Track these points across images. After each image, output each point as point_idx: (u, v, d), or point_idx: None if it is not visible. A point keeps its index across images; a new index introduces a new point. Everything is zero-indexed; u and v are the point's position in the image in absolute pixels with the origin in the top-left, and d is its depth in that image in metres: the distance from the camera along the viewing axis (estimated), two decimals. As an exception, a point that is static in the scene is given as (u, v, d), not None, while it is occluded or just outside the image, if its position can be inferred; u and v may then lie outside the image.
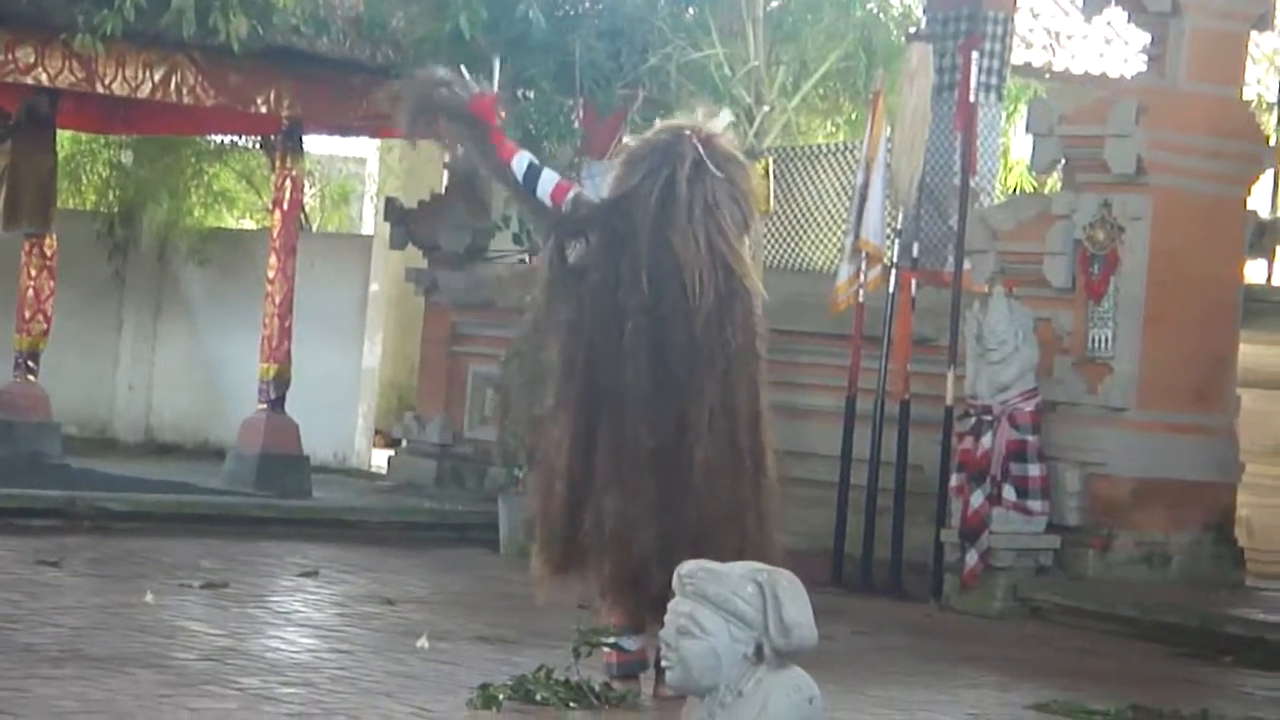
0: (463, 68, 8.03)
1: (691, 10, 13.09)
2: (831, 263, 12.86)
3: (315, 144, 16.96)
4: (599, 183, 12.49)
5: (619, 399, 7.28)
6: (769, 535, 7.29)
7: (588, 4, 13.14)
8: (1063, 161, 11.85)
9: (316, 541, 11.94)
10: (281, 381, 13.75)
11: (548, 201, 7.58)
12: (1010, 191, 16.10)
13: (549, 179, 7.65)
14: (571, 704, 7.14)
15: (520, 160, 7.66)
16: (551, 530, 7.45)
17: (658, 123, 7.95)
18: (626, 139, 8.30)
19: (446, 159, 15.26)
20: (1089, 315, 11.48)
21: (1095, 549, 11.38)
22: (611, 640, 7.38)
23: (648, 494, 7.23)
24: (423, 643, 8.31)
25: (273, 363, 13.74)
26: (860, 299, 11.82)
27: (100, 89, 12.96)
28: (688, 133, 7.38)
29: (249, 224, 18.50)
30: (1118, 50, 16.02)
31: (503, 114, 8.16)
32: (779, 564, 7.07)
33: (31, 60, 12.66)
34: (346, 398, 16.10)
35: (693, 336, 7.25)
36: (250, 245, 16.35)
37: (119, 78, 12.87)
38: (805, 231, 13.57)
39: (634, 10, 12.76)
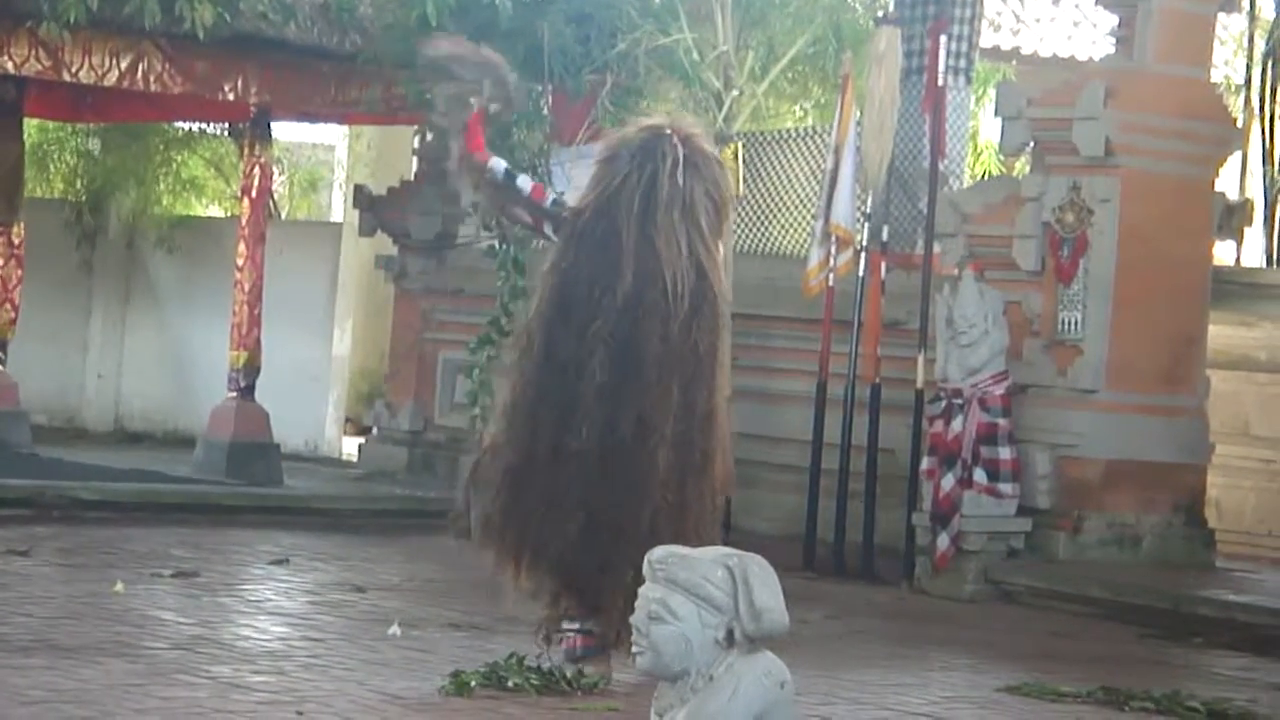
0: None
1: (659, -5, 13.07)
2: (801, 247, 12.87)
3: (283, 131, 16.92)
4: (567, 169, 12.51)
5: (580, 396, 7.30)
6: (706, 537, 7.18)
7: (555, -11, 13.11)
8: (1031, 144, 11.85)
9: (287, 529, 11.92)
10: (251, 369, 13.72)
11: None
12: (979, 175, 16.12)
13: (525, 182, 7.76)
14: (544, 690, 7.14)
15: (497, 163, 7.78)
16: (507, 525, 7.44)
17: (638, 120, 8.00)
18: (605, 135, 8.34)
19: (417, 144, 15.24)
20: (1059, 298, 11.50)
21: (1066, 531, 11.40)
22: (576, 627, 7.41)
23: (602, 492, 7.25)
24: (394, 630, 8.31)
25: (242, 350, 13.71)
26: (830, 283, 11.82)
27: (67, 77, 12.90)
28: (669, 131, 7.45)
29: (218, 211, 18.46)
30: (1086, 32, 16.05)
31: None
32: None
33: (-3, 48, 12.61)
34: (317, 385, 16.07)
35: (667, 338, 7.33)
36: (219, 233, 16.31)
37: (86, 65, 12.81)
38: (775, 216, 13.57)
39: (601, -5, 12.75)
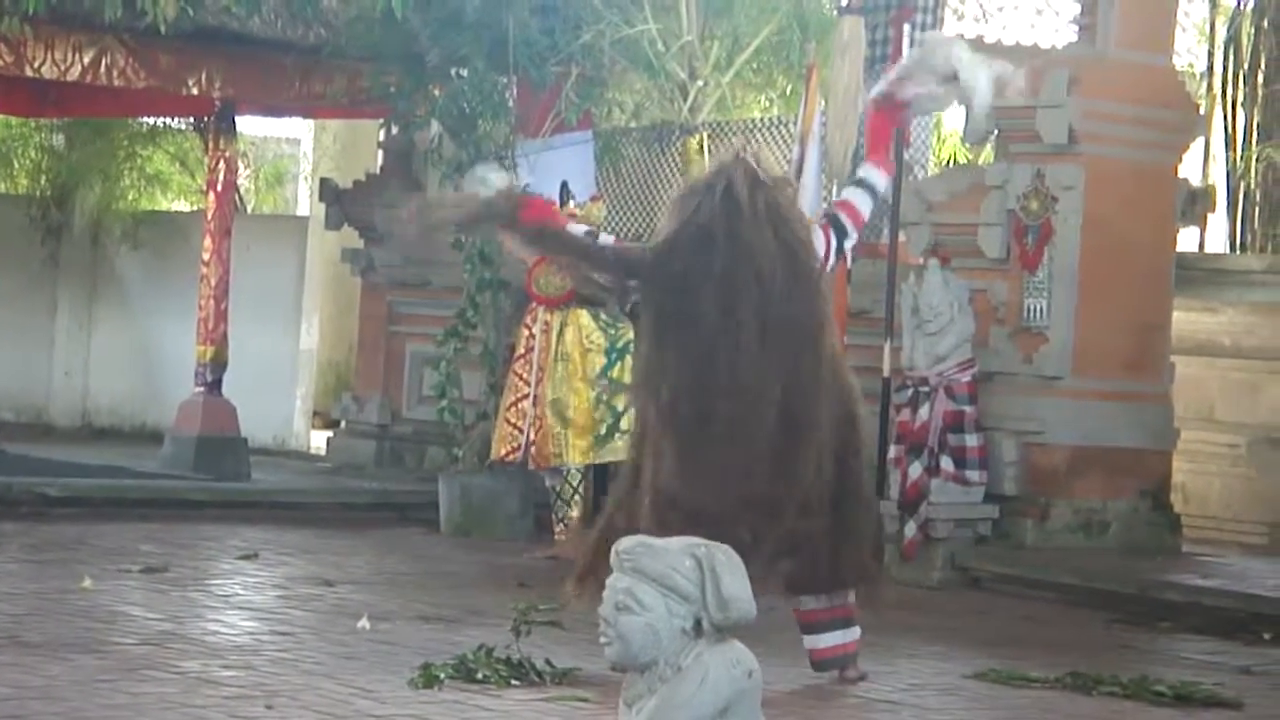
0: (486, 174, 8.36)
1: (624, -15, 13.07)
2: (767, 237, 12.85)
3: (249, 125, 16.90)
4: (532, 160, 12.52)
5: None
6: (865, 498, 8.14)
7: (520, -20, 13.10)
8: (995, 132, 11.89)
9: (255, 524, 11.91)
10: (218, 364, 13.70)
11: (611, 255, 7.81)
12: (944, 163, 16.15)
13: (606, 239, 8.13)
14: (513, 681, 7.16)
15: (576, 229, 8.11)
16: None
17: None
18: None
19: (382, 138, 15.22)
20: (1024, 285, 11.53)
21: (1033, 518, 11.44)
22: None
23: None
24: (363, 623, 8.31)
25: (209, 345, 13.69)
26: (796, 272, 11.82)
27: (29, 72, 12.86)
28: (739, 155, 7.70)
29: (183, 206, 18.42)
30: (1048, 20, 16.11)
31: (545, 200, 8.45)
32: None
33: (-42, 44, 12.56)
34: (284, 379, 16.05)
35: (766, 318, 7.44)
36: (185, 228, 16.28)
37: (48, 60, 12.77)
38: (741, 206, 13.56)
39: (566, -14, 12.74)
